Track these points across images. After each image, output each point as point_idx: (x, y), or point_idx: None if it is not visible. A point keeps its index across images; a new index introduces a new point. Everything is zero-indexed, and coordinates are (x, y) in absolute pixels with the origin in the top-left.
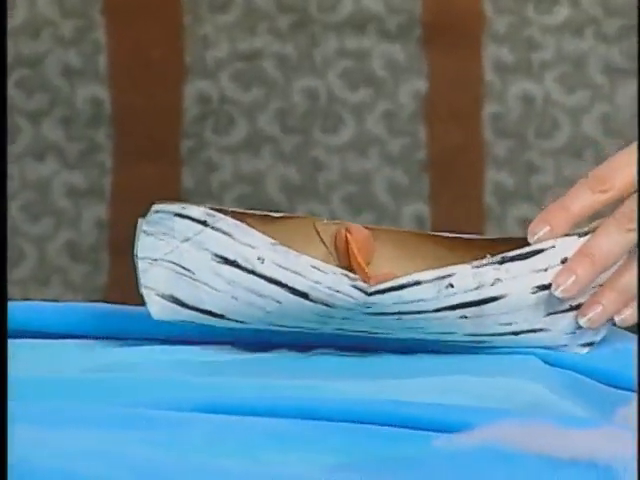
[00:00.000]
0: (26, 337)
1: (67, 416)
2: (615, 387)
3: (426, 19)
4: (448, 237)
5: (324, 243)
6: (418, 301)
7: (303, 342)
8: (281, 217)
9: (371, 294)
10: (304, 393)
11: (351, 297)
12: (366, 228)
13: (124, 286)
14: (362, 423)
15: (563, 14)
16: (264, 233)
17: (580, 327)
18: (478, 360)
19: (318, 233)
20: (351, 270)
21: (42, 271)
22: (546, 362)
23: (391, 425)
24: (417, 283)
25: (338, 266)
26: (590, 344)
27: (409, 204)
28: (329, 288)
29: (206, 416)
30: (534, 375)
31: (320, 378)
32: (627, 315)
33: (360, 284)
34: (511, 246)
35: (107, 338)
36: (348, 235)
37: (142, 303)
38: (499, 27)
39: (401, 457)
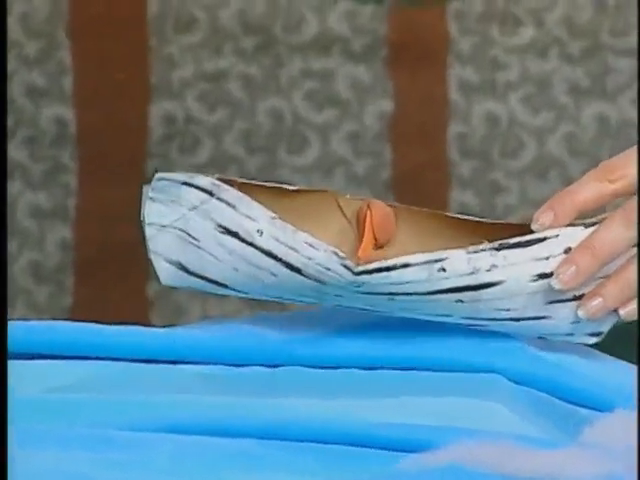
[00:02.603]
0: None
1: (30, 436)
2: (582, 406)
3: (391, 40)
4: (471, 220)
5: (346, 217)
6: (408, 283)
7: (270, 360)
8: (297, 190)
9: (358, 274)
10: (270, 413)
11: (340, 275)
12: (389, 206)
13: (89, 307)
14: (328, 443)
15: (527, 35)
16: (276, 205)
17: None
18: (442, 380)
19: (340, 208)
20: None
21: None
22: (511, 380)
23: (357, 445)
24: (406, 265)
25: (334, 244)
26: (598, 334)
27: None
28: (320, 265)
29: (170, 436)
30: (498, 396)
31: (286, 397)
32: (631, 309)
33: (348, 263)
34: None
35: (71, 357)
36: (368, 211)
37: (108, 322)
38: (464, 47)
39: (367, 477)
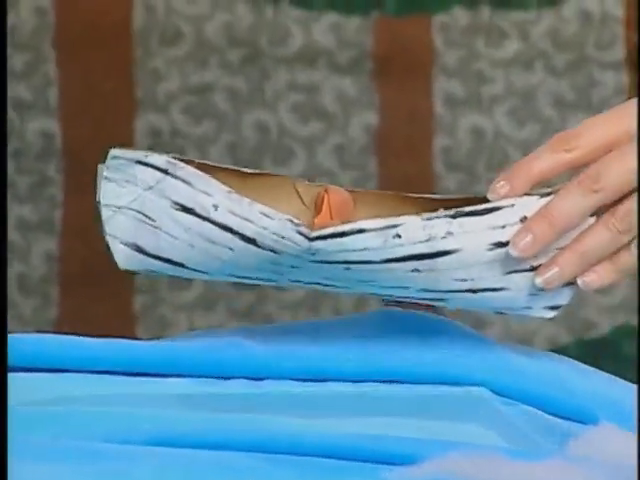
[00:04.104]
0: None
1: (15, 449)
2: (566, 419)
3: (376, 53)
4: (429, 198)
5: (303, 202)
6: (363, 250)
7: (256, 373)
8: (256, 173)
9: (313, 239)
10: (254, 426)
11: (295, 243)
12: (348, 190)
13: (74, 320)
14: (312, 456)
15: (513, 48)
16: (232, 186)
17: (542, 288)
18: (426, 393)
19: (298, 193)
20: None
21: None
22: (496, 393)
23: (341, 458)
24: (361, 231)
25: (290, 213)
26: (556, 307)
27: None
28: (275, 234)
29: (155, 449)
30: (482, 409)
31: (270, 410)
32: (590, 279)
33: (303, 229)
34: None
35: (57, 370)
36: (325, 195)
37: (93, 335)
38: (449, 61)
39: None
